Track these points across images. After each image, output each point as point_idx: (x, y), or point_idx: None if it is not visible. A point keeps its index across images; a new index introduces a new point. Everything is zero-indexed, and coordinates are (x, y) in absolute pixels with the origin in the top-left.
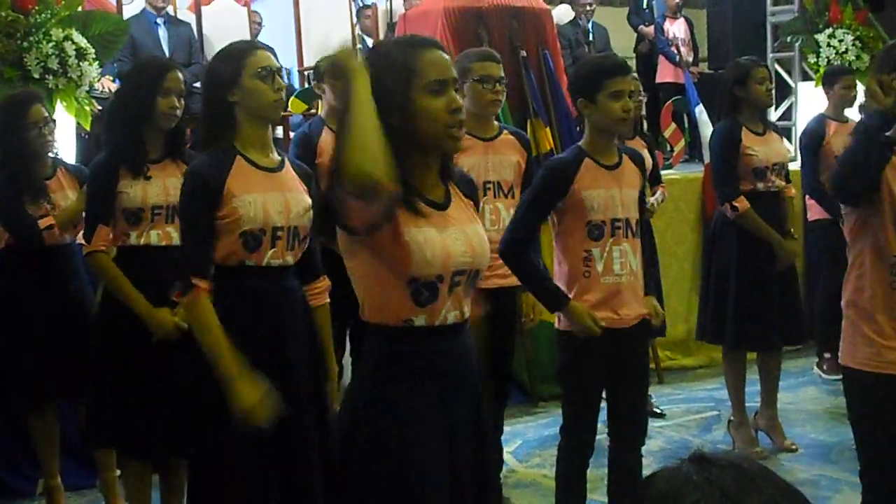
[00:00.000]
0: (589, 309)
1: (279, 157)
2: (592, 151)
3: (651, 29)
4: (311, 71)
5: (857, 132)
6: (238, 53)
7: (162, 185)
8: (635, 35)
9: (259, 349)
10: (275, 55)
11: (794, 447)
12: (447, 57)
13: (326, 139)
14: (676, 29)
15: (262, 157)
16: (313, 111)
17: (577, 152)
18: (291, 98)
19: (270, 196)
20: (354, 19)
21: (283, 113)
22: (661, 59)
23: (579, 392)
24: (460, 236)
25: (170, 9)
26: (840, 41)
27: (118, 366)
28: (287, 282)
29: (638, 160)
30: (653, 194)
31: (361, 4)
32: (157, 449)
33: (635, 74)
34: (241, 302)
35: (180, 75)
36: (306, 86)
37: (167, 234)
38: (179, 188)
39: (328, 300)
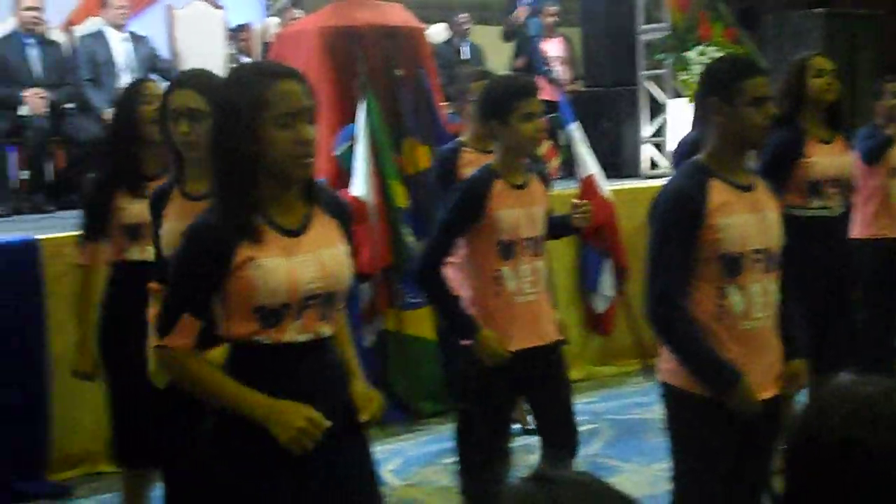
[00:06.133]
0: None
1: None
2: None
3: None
4: None
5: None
6: None
7: None
8: (512, 53)
9: None
10: None
11: None
12: (300, 87)
13: None
14: (553, 48)
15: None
16: None
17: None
18: None
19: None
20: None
21: None
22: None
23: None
24: (311, 262)
25: (44, 29)
26: (710, 58)
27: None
28: None
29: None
30: None
31: (235, 25)
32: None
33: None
34: None
35: None
36: None
37: None
38: None
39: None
